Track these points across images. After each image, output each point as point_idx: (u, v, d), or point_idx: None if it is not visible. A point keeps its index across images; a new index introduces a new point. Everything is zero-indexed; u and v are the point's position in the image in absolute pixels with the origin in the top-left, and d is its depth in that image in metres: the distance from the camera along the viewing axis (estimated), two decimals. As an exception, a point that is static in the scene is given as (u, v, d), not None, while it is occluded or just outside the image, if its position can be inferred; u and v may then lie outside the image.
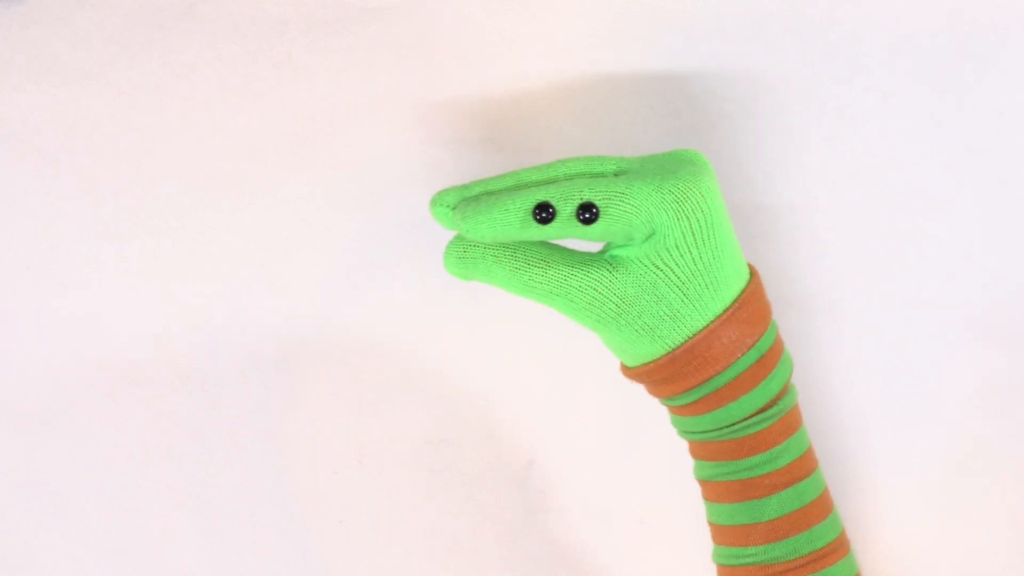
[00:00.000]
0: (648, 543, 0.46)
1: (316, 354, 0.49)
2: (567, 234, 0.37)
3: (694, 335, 0.38)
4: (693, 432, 0.41)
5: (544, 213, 0.36)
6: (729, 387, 0.39)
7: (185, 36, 0.45)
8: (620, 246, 0.38)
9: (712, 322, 0.38)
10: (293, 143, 0.46)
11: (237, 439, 0.49)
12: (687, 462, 0.43)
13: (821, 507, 0.41)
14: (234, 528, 0.50)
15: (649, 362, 0.39)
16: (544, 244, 0.38)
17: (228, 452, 0.49)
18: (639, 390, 0.43)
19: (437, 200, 0.39)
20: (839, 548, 0.41)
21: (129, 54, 0.45)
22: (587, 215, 0.36)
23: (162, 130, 0.46)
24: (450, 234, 0.45)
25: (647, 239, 0.37)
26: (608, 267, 0.38)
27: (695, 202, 0.37)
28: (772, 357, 0.39)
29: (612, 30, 0.45)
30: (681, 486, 0.45)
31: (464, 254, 0.38)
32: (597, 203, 0.36)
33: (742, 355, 0.38)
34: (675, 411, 0.41)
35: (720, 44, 0.45)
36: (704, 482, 0.42)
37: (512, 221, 0.36)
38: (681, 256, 0.37)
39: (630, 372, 0.41)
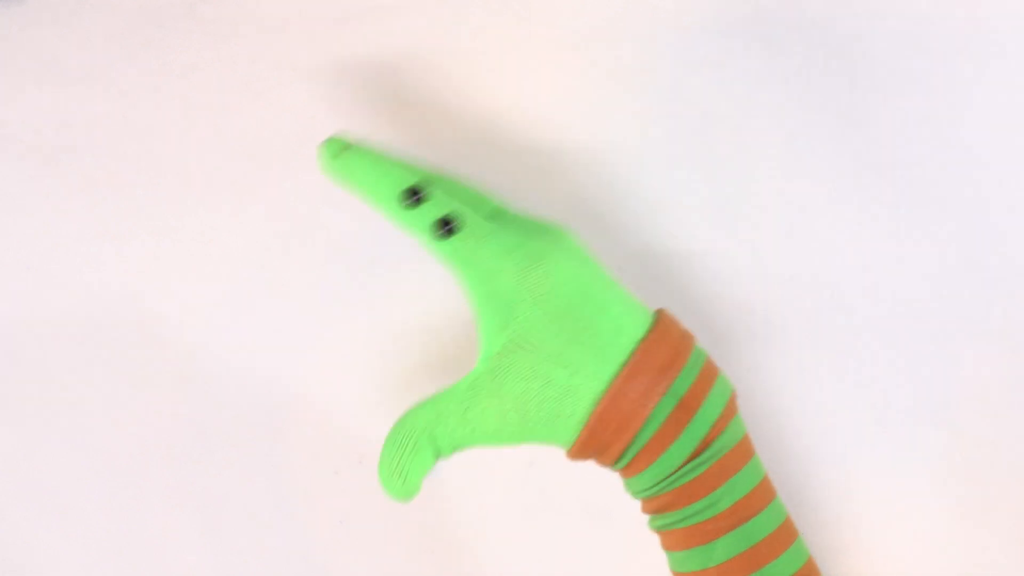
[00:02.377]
0: (648, 543, 0.46)
1: (316, 354, 0.49)
2: (415, 233, 0.38)
3: (598, 402, 0.37)
4: (638, 491, 0.40)
5: (414, 198, 0.37)
6: (655, 440, 0.37)
7: (185, 36, 0.45)
8: (483, 353, 0.38)
9: (611, 384, 0.37)
10: (293, 143, 0.46)
11: (237, 439, 0.49)
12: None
13: (774, 545, 0.39)
14: (234, 528, 0.50)
15: (575, 443, 0.38)
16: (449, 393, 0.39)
17: (228, 452, 0.49)
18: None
19: (338, 134, 0.40)
20: None
21: (129, 54, 0.45)
22: (446, 228, 0.37)
23: (162, 130, 0.46)
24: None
25: (504, 327, 0.37)
26: (488, 378, 0.37)
27: (536, 280, 0.37)
28: (694, 398, 0.38)
29: (612, 29, 0.45)
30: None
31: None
32: (461, 226, 0.37)
33: (657, 404, 0.37)
34: (621, 474, 0.40)
35: (720, 44, 0.45)
36: (657, 532, 0.41)
37: (382, 189, 0.38)
38: (542, 330, 0.37)
39: (570, 455, 0.40)
